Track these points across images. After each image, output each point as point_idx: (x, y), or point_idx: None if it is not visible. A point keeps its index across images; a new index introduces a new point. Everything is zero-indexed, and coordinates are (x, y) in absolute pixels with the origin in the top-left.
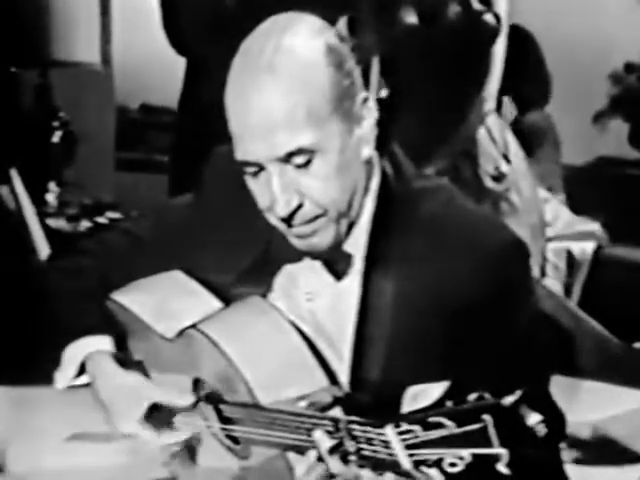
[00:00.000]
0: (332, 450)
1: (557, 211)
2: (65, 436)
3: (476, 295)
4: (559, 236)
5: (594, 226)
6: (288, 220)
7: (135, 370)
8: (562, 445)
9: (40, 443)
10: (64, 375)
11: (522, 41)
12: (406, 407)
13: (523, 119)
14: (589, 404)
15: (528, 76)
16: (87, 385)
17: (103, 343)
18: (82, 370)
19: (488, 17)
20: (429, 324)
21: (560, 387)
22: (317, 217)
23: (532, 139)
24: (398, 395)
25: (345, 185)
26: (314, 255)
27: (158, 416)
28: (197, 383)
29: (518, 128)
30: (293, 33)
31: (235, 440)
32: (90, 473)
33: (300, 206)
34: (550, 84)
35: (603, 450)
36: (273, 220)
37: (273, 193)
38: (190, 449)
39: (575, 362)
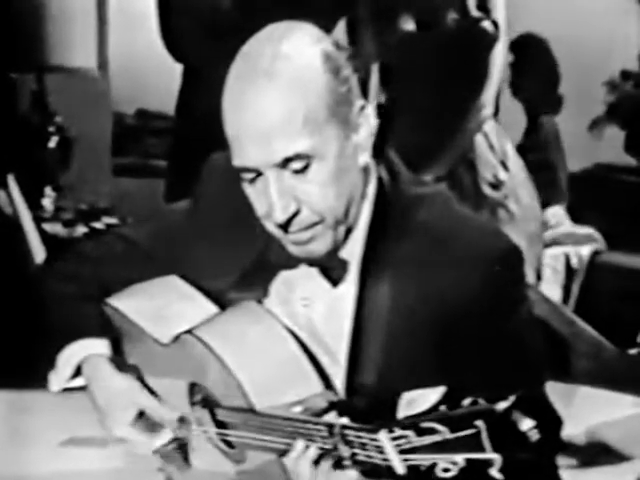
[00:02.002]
0: (317, 460)
1: (561, 219)
2: (60, 441)
3: (471, 300)
4: (557, 240)
5: (591, 230)
6: (285, 226)
7: (131, 374)
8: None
9: (35, 447)
10: (59, 377)
11: (537, 48)
12: (402, 412)
13: (541, 122)
14: (583, 410)
15: (542, 80)
16: (82, 389)
17: (100, 346)
18: (77, 373)
19: (486, 24)
20: (424, 330)
21: (555, 393)
22: (314, 224)
23: (548, 144)
24: (394, 400)
25: (342, 192)
26: (310, 262)
27: (150, 420)
28: (193, 388)
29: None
30: (291, 40)
31: (230, 444)
32: (85, 478)
33: (297, 212)
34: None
35: (597, 455)
36: (270, 227)
37: (270, 199)
38: (182, 449)
39: (569, 368)
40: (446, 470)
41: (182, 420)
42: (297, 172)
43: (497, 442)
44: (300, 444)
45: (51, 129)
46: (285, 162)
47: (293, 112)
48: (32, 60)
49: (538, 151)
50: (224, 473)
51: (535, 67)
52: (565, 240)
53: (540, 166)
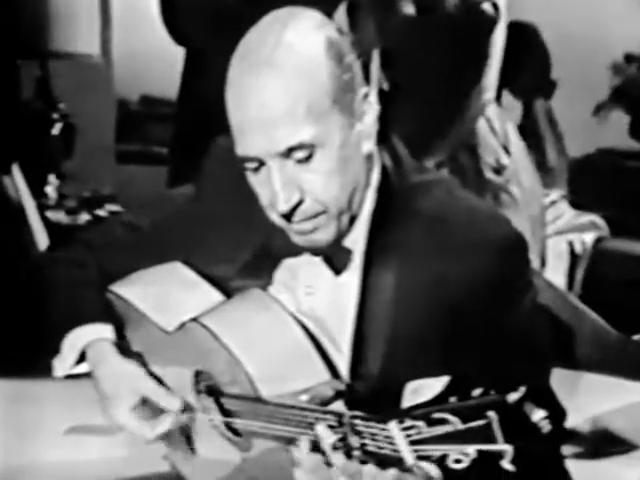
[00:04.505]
0: (335, 445)
1: (562, 211)
2: (64, 429)
3: (474, 288)
4: (560, 230)
5: (594, 217)
6: (288, 217)
7: (135, 360)
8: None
9: (38, 436)
10: (63, 363)
11: (524, 33)
12: (406, 402)
13: (533, 107)
14: (589, 397)
15: (534, 66)
16: (86, 376)
17: (105, 331)
18: (81, 359)
19: (486, 6)
20: (428, 317)
21: (560, 380)
22: (318, 214)
23: (538, 128)
24: (399, 389)
25: (346, 181)
26: (314, 251)
27: (153, 407)
28: (198, 375)
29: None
30: (293, 27)
31: (236, 432)
32: (89, 466)
33: (300, 202)
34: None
35: (602, 444)
36: (274, 217)
37: (274, 188)
38: (186, 435)
39: (574, 354)
40: (457, 461)
41: (186, 408)
42: (300, 161)
43: (508, 433)
44: (321, 429)
45: (55, 116)
46: (288, 151)
47: (296, 101)
48: (36, 46)
49: (529, 136)
50: (230, 461)
51: (524, 53)
52: (568, 229)
53: (530, 151)
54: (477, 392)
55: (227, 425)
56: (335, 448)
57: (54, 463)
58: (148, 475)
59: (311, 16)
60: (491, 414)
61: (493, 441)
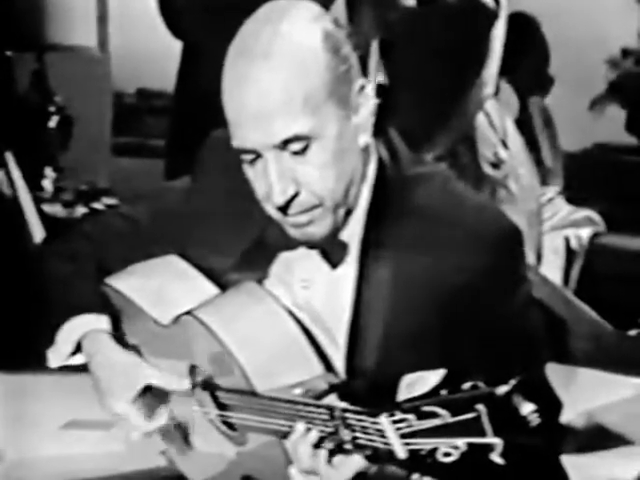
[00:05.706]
0: (317, 444)
1: (558, 208)
2: (61, 423)
3: (471, 281)
4: (557, 226)
5: (590, 212)
6: (284, 209)
7: (132, 351)
8: (561, 434)
9: (35, 430)
10: (58, 353)
11: (527, 27)
12: (402, 395)
13: (529, 104)
14: (583, 392)
15: (533, 62)
16: (82, 370)
17: (101, 322)
18: (77, 350)
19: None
20: (424, 311)
21: (554, 375)
22: (314, 207)
23: (532, 126)
24: (394, 383)
25: (341, 174)
26: (310, 244)
27: (151, 398)
28: (193, 369)
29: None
30: (290, 19)
31: (231, 426)
32: (87, 460)
33: (296, 195)
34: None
35: (596, 439)
36: (270, 210)
37: (269, 180)
38: (182, 430)
39: (569, 349)
40: (447, 455)
41: (192, 370)
42: (296, 153)
43: (498, 426)
44: (301, 427)
45: (51, 109)
46: (284, 143)
47: (292, 93)
48: (32, 39)
49: (526, 132)
50: (225, 455)
51: (524, 47)
52: (564, 224)
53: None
54: (467, 385)
55: (222, 419)
56: (326, 441)
57: (52, 457)
58: (145, 469)
59: (307, 7)
60: (480, 407)
61: (482, 434)
